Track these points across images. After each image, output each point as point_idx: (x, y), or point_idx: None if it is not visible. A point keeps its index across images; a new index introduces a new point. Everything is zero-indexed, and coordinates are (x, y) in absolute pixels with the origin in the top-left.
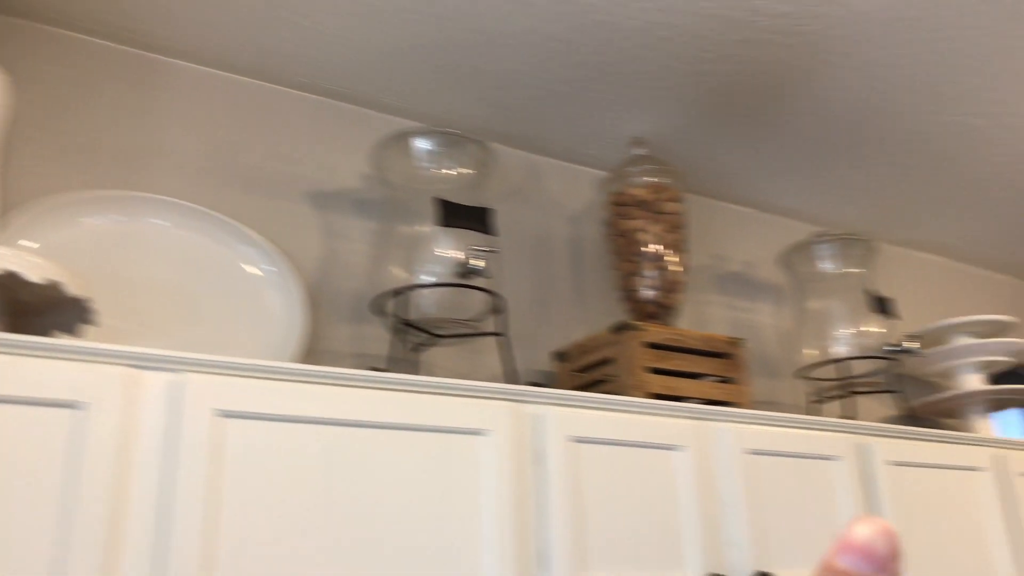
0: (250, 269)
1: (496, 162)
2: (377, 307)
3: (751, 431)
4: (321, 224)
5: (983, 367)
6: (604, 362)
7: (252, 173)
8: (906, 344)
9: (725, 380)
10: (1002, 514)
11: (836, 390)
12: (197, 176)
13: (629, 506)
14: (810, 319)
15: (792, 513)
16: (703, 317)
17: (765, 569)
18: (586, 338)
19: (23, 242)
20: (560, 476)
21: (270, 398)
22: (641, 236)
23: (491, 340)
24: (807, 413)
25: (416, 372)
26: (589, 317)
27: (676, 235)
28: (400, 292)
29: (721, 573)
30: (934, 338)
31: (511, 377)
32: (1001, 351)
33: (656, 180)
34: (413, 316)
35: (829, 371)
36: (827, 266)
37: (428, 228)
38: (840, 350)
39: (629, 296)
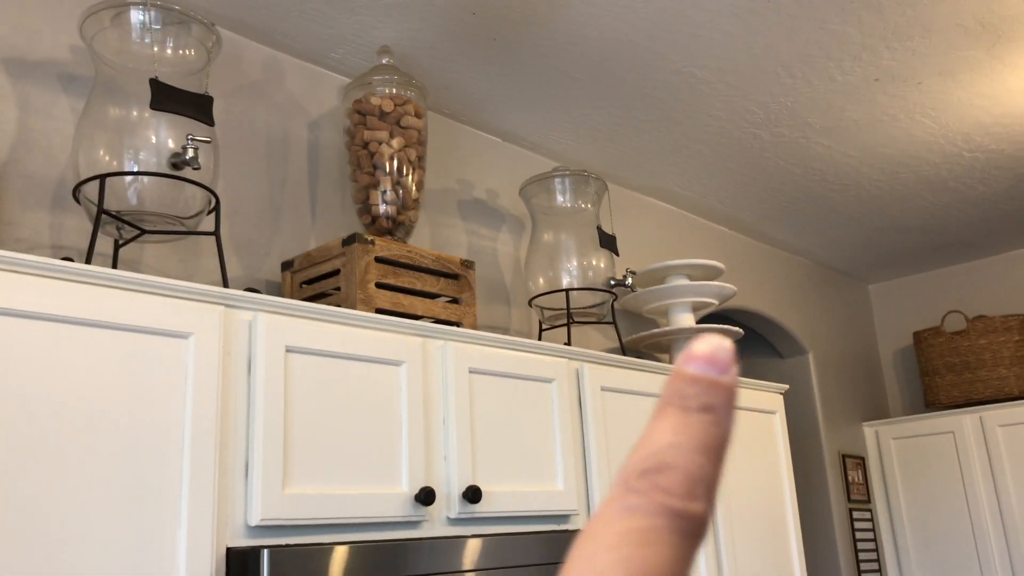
0: None
1: (223, 49)
2: (78, 195)
3: (474, 350)
4: (16, 96)
5: (694, 307)
6: (333, 274)
7: None
8: (628, 280)
9: (453, 300)
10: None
11: (562, 318)
12: None
13: (346, 420)
14: (543, 249)
15: (508, 431)
16: (442, 240)
17: (477, 484)
18: (315, 249)
19: None
20: (269, 385)
21: None
22: (380, 148)
23: (211, 243)
24: (537, 340)
25: (118, 268)
26: (324, 228)
27: (416, 150)
28: (104, 178)
29: (431, 487)
30: (653, 277)
31: (225, 280)
32: (711, 293)
33: (399, 92)
34: (119, 207)
35: (558, 300)
36: (562, 200)
37: (141, 112)
38: (568, 281)
39: (366, 209)
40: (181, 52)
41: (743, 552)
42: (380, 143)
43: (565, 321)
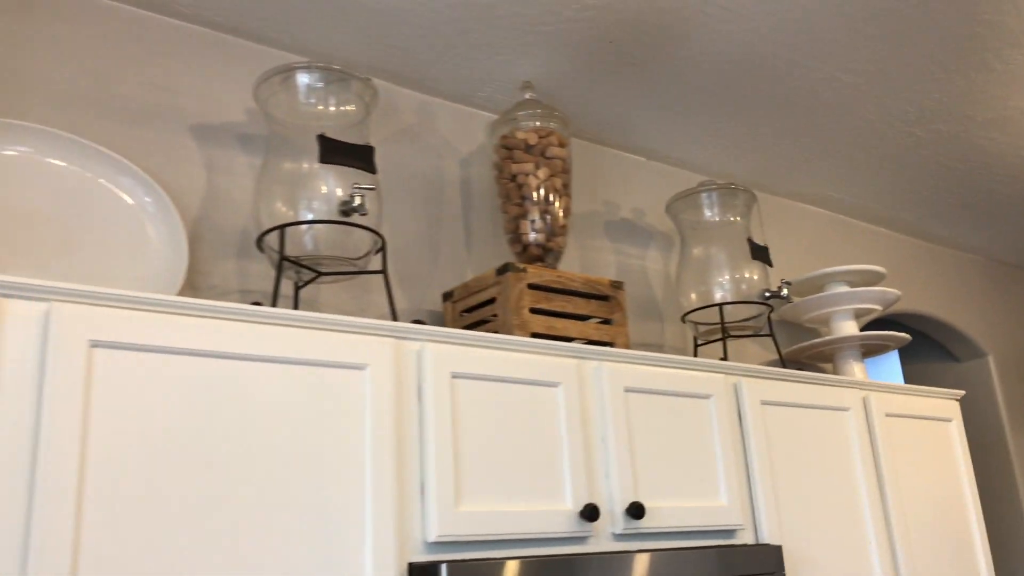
0: (126, 200)
1: (380, 100)
2: (261, 244)
3: (628, 370)
4: (203, 158)
5: (856, 314)
6: (489, 302)
7: (129, 104)
8: (783, 291)
9: (605, 321)
10: (868, 451)
11: (716, 333)
12: (71, 105)
13: (509, 439)
14: (693, 265)
15: (666, 447)
16: (591, 262)
17: (638, 500)
18: (472, 279)
19: None
20: (439, 410)
21: (146, 329)
22: (527, 180)
23: (380, 280)
24: (692, 355)
25: (299, 308)
26: (478, 259)
27: (561, 179)
28: (284, 228)
29: (595, 503)
30: (811, 286)
31: (394, 315)
32: (873, 299)
33: (542, 124)
34: (297, 253)
35: (711, 315)
36: (710, 214)
37: (311, 165)
38: (721, 295)
39: (516, 239)
40: (343, 108)
41: (923, 569)
42: (527, 175)
43: (720, 336)
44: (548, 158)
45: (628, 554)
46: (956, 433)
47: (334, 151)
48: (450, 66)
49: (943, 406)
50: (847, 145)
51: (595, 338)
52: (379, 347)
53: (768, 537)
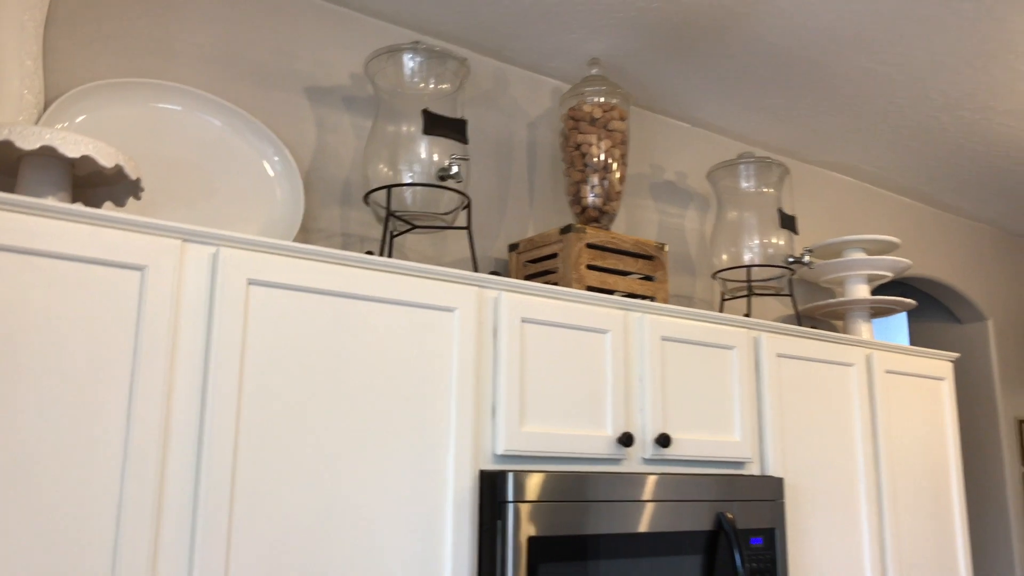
0: (256, 153)
1: (470, 74)
2: (367, 198)
3: (666, 321)
4: (315, 117)
5: (869, 279)
6: (552, 256)
7: (256, 68)
8: (804, 257)
9: (648, 278)
10: (866, 402)
11: (742, 290)
12: (209, 68)
13: (564, 375)
14: (727, 228)
15: (692, 389)
16: (635, 220)
17: (666, 432)
18: (537, 235)
19: (77, 119)
20: (510, 348)
21: (289, 271)
22: (590, 149)
23: (458, 230)
24: (719, 309)
25: (394, 254)
26: (540, 214)
27: (620, 149)
28: (390, 188)
29: (631, 432)
30: (832, 251)
31: (475, 265)
32: (885, 267)
33: (606, 100)
34: (396, 207)
35: (739, 274)
36: (746, 184)
37: (412, 131)
38: (749, 257)
39: (576, 200)
40: (440, 86)
41: (905, 513)
42: (590, 145)
43: (745, 293)
44: (610, 130)
45: (654, 475)
46: (947, 391)
47: (435, 124)
48: (526, 39)
49: (938, 366)
50: (878, 124)
51: (639, 292)
52: (465, 293)
53: (772, 470)
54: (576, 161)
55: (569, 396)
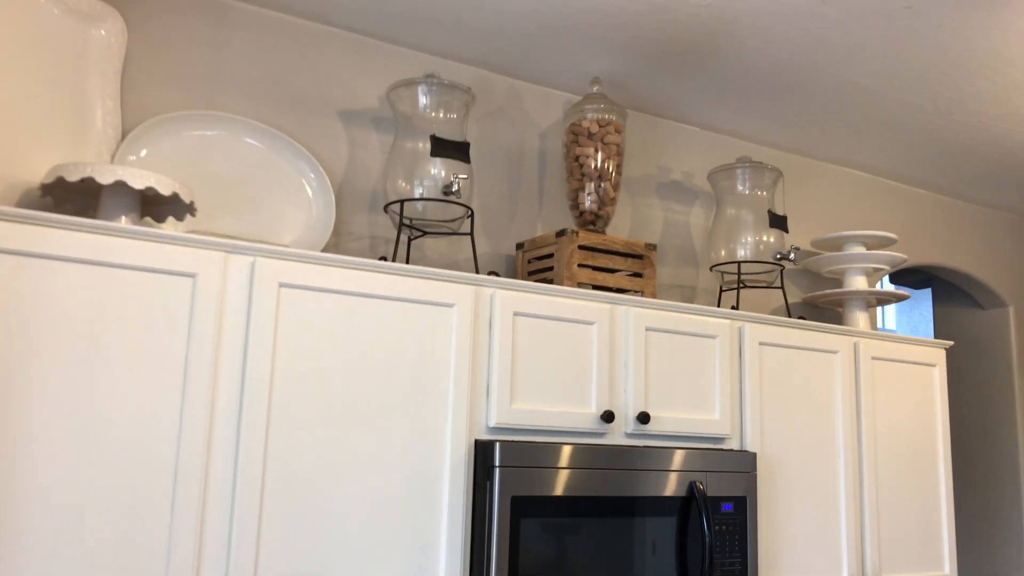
0: (293, 169)
1: (475, 101)
2: (387, 209)
3: (650, 314)
4: (347, 136)
5: (866, 272)
6: (549, 256)
7: (298, 96)
8: (791, 254)
9: (637, 275)
10: (851, 386)
11: (736, 283)
12: (254, 97)
13: (553, 361)
14: (724, 226)
15: (674, 374)
16: (642, 217)
17: (646, 410)
18: (539, 236)
19: (141, 152)
20: (502, 338)
21: (313, 275)
22: (587, 160)
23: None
24: (718, 299)
25: (411, 256)
26: (548, 215)
27: (615, 160)
28: (403, 202)
29: (612, 410)
30: (833, 244)
31: (476, 267)
32: (882, 261)
33: (603, 116)
34: (410, 215)
35: (734, 267)
36: (742, 187)
37: (423, 149)
38: (742, 253)
39: (575, 205)
40: (449, 114)
41: (886, 488)
42: (587, 157)
43: (738, 285)
44: (605, 143)
45: (632, 447)
46: (938, 376)
47: (442, 147)
48: (535, 60)
49: (929, 353)
50: (875, 126)
51: (628, 287)
52: (463, 292)
53: (750, 446)
54: (575, 171)
55: (557, 378)
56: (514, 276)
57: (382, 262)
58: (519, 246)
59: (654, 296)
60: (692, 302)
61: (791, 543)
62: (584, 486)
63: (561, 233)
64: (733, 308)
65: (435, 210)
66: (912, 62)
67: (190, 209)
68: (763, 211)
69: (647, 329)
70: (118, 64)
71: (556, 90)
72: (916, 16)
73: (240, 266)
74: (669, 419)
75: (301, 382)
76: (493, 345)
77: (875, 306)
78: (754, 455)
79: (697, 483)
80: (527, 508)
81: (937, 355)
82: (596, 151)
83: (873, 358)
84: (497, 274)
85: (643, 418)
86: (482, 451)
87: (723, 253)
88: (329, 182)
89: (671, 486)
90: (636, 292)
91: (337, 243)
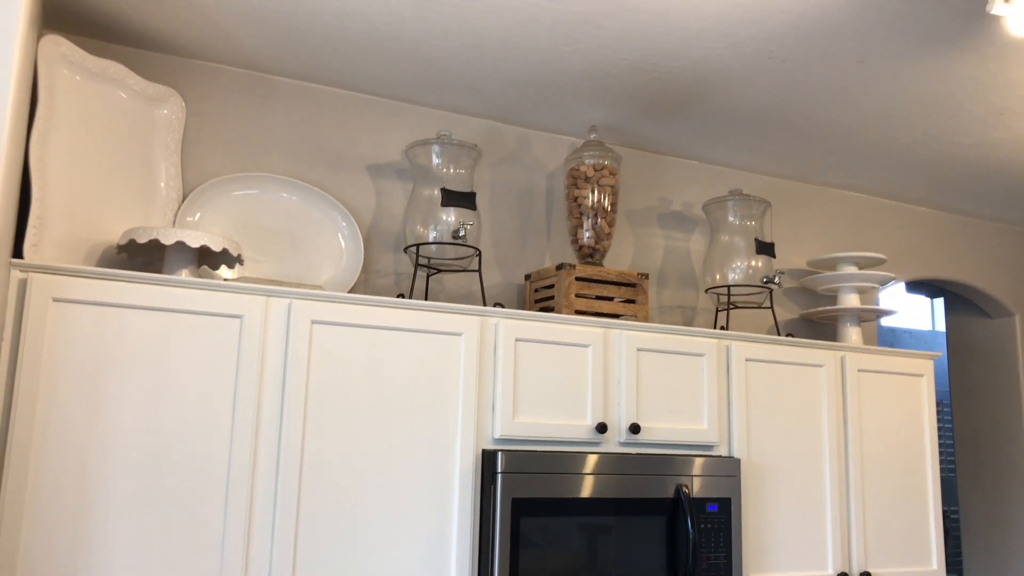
0: (327, 219)
1: (481, 156)
2: (407, 250)
3: (641, 336)
4: (374, 187)
5: (858, 290)
6: (551, 286)
7: (330, 154)
8: (776, 279)
9: (631, 301)
10: (836, 398)
11: (728, 304)
12: (296, 156)
13: (551, 379)
14: (717, 252)
15: (665, 389)
16: (643, 245)
17: (637, 421)
18: (543, 269)
19: (196, 215)
20: (505, 361)
21: (340, 312)
22: (584, 201)
23: (483, 271)
24: (714, 319)
25: (430, 289)
26: (555, 248)
27: (609, 200)
28: (419, 246)
29: (605, 422)
30: (828, 264)
31: (484, 299)
32: (873, 280)
33: (598, 161)
34: (427, 255)
35: (727, 289)
36: (732, 217)
37: (436, 197)
38: (732, 277)
39: (575, 240)
40: (458, 170)
41: (873, 489)
42: (585, 198)
43: (728, 307)
44: (601, 186)
45: (623, 454)
46: (925, 386)
47: (451, 197)
48: (542, 112)
49: (917, 364)
50: (861, 157)
51: (622, 312)
52: (470, 322)
53: (737, 452)
54: (574, 210)
55: (555, 395)
56: (523, 303)
57: (399, 299)
58: (527, 277)
59: (646, 320)
60: (693, 321)
61: (777, 540)
62: (577, 488)
63: (560, 266)
64: (723, 328)
65: (447, 251)
66: (877, 103)
67: (238, 259)
68: (752, 239)
69: (639, 349)
70: (178, 136)
71: (561, 135)
72: (871, 67)
73: (279, 307)
74: (659, 429)
75: (331, 403)
76: (497, 367)
77: (871, 320)
78: (738, 460)
79: (683, 486)
80: (526, 508)
81: (925, 366)
82: (592, 192)
83: (859, 370)
84: (502, 305)
85: (634, 428)
86: (488, 459)
87: (717, 277)
88: (358, 228)
89: (659, 489)
90: (631, 316)
91: (367, 279)
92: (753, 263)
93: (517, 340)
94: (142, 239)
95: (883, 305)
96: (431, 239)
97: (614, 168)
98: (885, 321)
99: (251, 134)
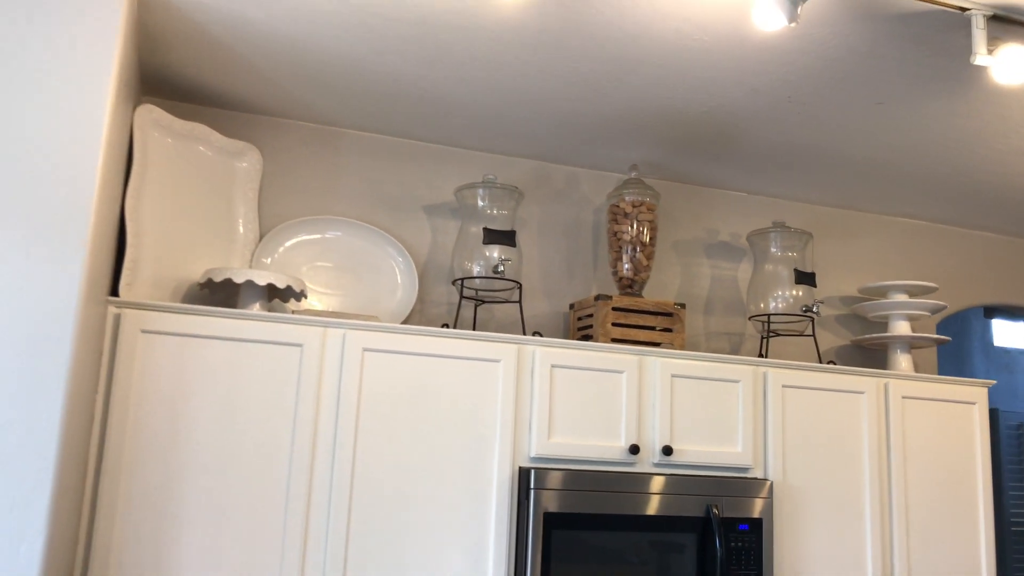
0: (387, 257)
1: (523, 198)
2: (455, 283)
3: (675, 363)
4: (430, 225)
5: (909, 317)
6: (590, 315)
7: (389, 197)
8: (815, 307)
9: (667, 330)
10: (878, 425)
11: (768, 332)
12: (363, 202)
13: (586, 403)
14: (760, 281)
15: (699, 413)
16: (690, 275)
17: (670, 444)
18: (583, 299)
19: (269, 257)
20: (541, 386)
21: (391, 341)
22: (624, 235)
23: (525, 300)
24: (759, 345)
25: (478, 318)
26: (600, 278)
27: (648, 234)
28: (463, 280)
29: (638, 444)
30: (879, 291)
31: (524, 328)
32: (924, 308)
33: (638, 198)
34: (472, 287)
35: (767, 317)
36: (775, 248)
37: (481, 234)
38: (773, 306)
39: (615, 272)
40: (502, 210)
41: (918, 517)
42: (624, 232)
43: (765, 334)
44: (639, 221)
45: (654, 474)
46: (978, 414)
47: (492, 236)
48: (587, 153)
49: (968, 391)
50: (900, 188)
51: (659, 340)
52: (508, 350)
53: (771, 475)
54: (614, 244)
55: (589, 418)
56: (567, 332)
57: (442, 329)
58: (572, 306)
59: (683, 347)
60: (740, 348)
61: (812, 562)
62: (608, 504)
63: (598, 297)
64: (761, 355)
65: (493, 283)
66: (904, 140)
67: (302, 294)
68: (792, 269)
69: (673, 376)
70: (256, 185)
71: (606, 171)
72: (889, 109)
73: (335, 337)
74: (693, 451)
75: (380, 422)
76: (534, 391)
77: (924, 347)
78: (771, 483)
79: (713, 506)
80: (559, 522)
81: (978, 393)
82: (631, 227)
83: (904, 397)
84: (540, 334)
85: (667, 451)
86: (524, 476)
87: (760, 305)
88: (414, 264)
89: (690, 508)
90: (668, 344)
91: (422, 309)
92: (793, 292)
93: (553, 366)
94: (218, 278)
95: (941, 334)
96: (475, 273)
97: (652, 204)
98: (998, 341)
99: (320, 181)
